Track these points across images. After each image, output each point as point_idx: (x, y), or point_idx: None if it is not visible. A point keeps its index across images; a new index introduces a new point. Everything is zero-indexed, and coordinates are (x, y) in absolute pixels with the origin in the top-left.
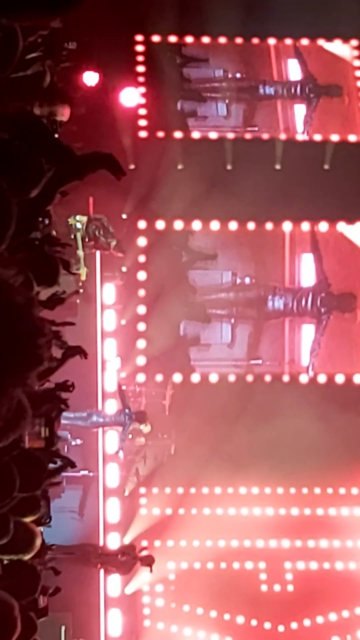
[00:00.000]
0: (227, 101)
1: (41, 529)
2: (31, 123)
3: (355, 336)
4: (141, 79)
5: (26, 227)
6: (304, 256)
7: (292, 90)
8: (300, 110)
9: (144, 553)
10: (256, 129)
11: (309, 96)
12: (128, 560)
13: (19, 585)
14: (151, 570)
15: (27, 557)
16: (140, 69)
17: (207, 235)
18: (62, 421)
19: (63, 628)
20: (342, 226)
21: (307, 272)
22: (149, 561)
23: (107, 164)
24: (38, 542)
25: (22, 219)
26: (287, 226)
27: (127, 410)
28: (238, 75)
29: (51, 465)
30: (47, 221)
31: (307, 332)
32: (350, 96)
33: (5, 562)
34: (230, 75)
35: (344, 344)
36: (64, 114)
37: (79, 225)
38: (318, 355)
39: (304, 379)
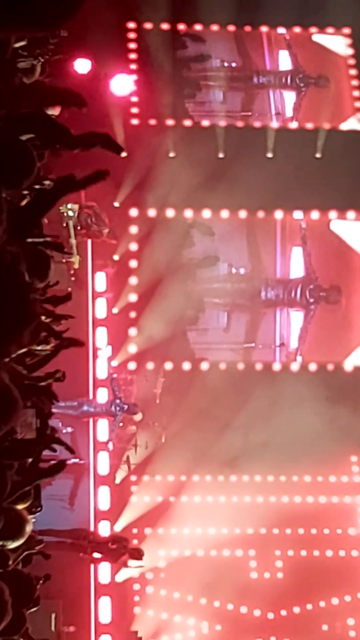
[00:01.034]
0: (223, 89)
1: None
2: (24, 97)
3: (341, 325)
4: (133, 67)
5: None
6: (294, 249)
7: (283, 79)
8: (290, 98)
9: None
10: (249, 113)
11: (299, 86)
12: (118, 548)
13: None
14: (141, 560)
15: (16, 544)
16: (133, 56)
17: (206, 227)
18: (53, 410)
19: (53, 615)
20: (333, 215)
21: (296, 265)
22: (138, 554)
23: (104, 142)
24: (28, 528)
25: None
26: (278, 215)
27: (118, 401)
28: (234, 64)
29: (46, 464)
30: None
31: (296, 319)
32: (340, 85)
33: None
34: (226, 64)
35: (331, 332)
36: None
37: (70, 214)
38: (306, 342)
39: (294, 367)
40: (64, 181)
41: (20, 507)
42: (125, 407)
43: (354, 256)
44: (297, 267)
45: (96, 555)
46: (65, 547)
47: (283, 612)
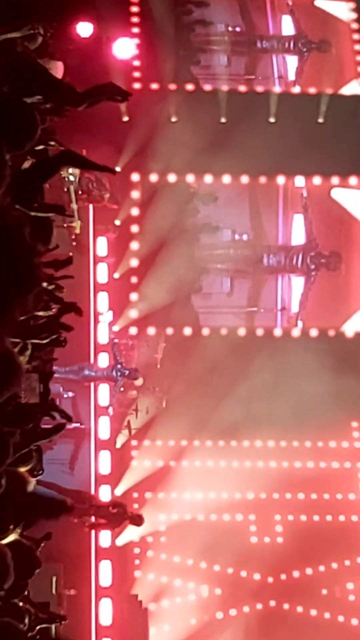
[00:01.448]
0: (227, 53)
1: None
2: (29, 64)
3: (341, 291)
4: (136, 30)
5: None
6: (296, 217)
7: (286, 44)
8: (292, 63)
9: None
10: (253, 77)
11: (301, 50)
12: (119, 513)
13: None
14: (140, 526)
15: None
16: (135, 20)
17: (209, 194)
18: (55, 375)
19: (54, 578)
20: (335, 180)
21: (298, 232)
22: (138, 521)
23: (110, 92)
24: (29, 488)
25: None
26: (280, 180)
27: (119, 366)
28: (237, 29)
29: (46, 426)
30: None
31: (297, 285)
32: (342, 50)
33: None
34: (230, 29)
35: (331, 298)
36: (57, 71)
37: (72, 178)
38: (306, 307)
39: (296, 332)
40: (72, 155)
41: (21, 469)
42: (126, 372)
43: (354, 224)
44: (298, 235)
45: (97, 519)
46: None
47: (283, 576)
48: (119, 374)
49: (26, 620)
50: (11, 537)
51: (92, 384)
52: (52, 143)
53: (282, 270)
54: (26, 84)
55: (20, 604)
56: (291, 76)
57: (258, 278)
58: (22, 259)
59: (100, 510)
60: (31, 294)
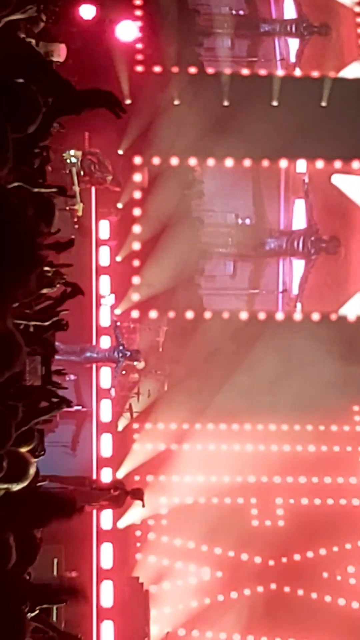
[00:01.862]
0: (230, 36)
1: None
2: (30, 57)
3: (340, 275)
4: (139, 13)
5: (22, 159)
6: (297, 202)
7: (288, 28)
8: (294, 46)
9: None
10: (255, 59)
11: (302, 34)
12: (121, 494)
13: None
14: (143, 505)
15: (20, 486)
16: (138, 2)
17: (211, 177)
18: (56, 356)
19: (55, 560)
20: (338, 164)
21: (299, 217)
22: (138, 494)
23: (107, 101)
24: (32, 470)
25: (19, 152)
26: (283, 163)
27: (120, 348)
28: (241, 12)
29: (45, 404)
30: (44, 154)
31: (298, 268)
32: (343, 33)
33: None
34: (233, 12)
35: (330, 282)
36: (60, 54)
37: (74, 160)
38: (306, 290)
39: (297, 316)
40: (63, 102)
41: (23, 450)
42: (128, 353)
43: (354, 209)
44: (299, 219)
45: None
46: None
47: (284, 560)
48: (120, 355)
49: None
50: None
51: (94, 367)
52: (55, 125)
53: (284, 254)
54: (26, 74)
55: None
56: (293, 59)
57: (260, 261)
58: (24, 240)
59: (102, 494)
60: (33, 274)
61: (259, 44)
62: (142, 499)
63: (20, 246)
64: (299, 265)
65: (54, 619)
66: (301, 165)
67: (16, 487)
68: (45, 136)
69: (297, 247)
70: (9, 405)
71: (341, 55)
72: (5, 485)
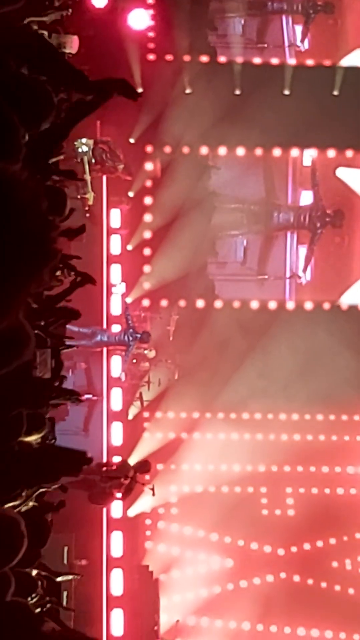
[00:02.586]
0: (242, 20)
1: None
2: (43, 49)
3: (344, 260)
4: (150, 1)
5: (37, 155)
6: (304, 193)
7: (294, 7)
8: (300, 28)
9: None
10: (265, 45)
11: (308, 12)
12: (131, 482)
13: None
14: (154, 494)
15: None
16: None
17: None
18: (67, 338)
19: (66, 549)
20: (349, 153)
21: (306, 194)
22: (145, 467)
23: (121, 89)
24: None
25: (34, 149)
26: (295, 152)
27: (130, 330)
28: None
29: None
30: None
31: (304, 250)
32: (349, 18)
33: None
34: None
35: (335, 269)
36: (72, 46)
37: (85, 149)
38: (310, 263)
39: (308, 305)
40: (82, 106)
41: (34, 437)
42: (138, 335)
43: (357, 202)
44: (306, 196)
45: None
46: (77, 485)
47: (293, 549)
48: (131, 338)
49: (39, 589)
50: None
51: (104, 355)
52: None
53: (291, 228)
54: (40, 67)
55: (34, 572)
56: (299, 43)
57: (269, 237)
58: (38, 234)
59: (112, 482)
60: (47, 268)
61: (268, 26)
62: (148, 471)
63: (34, 240)
64: (304, 246)
65: (64, 603)
66: (313, 154)
67: None
68: (62, 138)
69: (303, 220)
70: (18, 396)
71: (348, 41)
72: None
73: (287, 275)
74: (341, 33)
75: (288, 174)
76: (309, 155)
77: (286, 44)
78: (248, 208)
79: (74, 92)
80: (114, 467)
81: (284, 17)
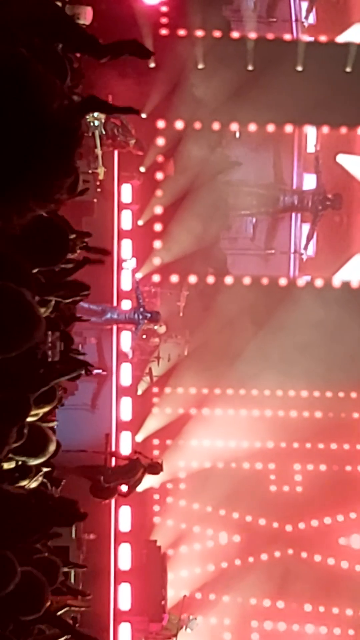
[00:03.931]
0: None
1: (55, 426)
2: (57, 15)
3: (342, 238)
4: None
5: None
6: (307, 176)
7: None
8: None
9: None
10: (274, 19)
11: None
12: (138, 481)
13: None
14: (162, 469)
15: (38, 461)
16: None
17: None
18: (77, 313)
19: None
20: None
21: (309, 179)
22: (156, 469)
23: (134, 49)
24: (51, 447)
25: None
26: (307, 129)
27: (141, 309)
28: None
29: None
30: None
31: (307, 228)
32: None
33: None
34: None
35: (335, 246)
36: (86, 17)
37: (96, 123)
38: (312, 241)
39: (318, 282)
40: (96, 101)
41: (45, 409)
42: (149, 315)
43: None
44: (309, 180)
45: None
46: (84, 472)
47: (301, 525)
48: (140, 317)
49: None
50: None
51: (114, 330)
52: (75, 98)
53: (295, 210)
54: (51, 31)
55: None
56: (305, 19)
57: (275, 217)
58: (63, 148)
59: (117, 482)
60: (65, 182)
61: (277, 3)
62: (158, 474)
63: (56, 154)
64: (307, 224)
65: (72, 581)
66: (312, 146)
67: (33, 462)
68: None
69: (306, 203)
70: (28, 376)
71: (350, 16)
72: (22, 458)
73: (292, 250)
74: (344, 9)
75: (293, 160)
76: (312, 144)
77: (293, 18)
78: (257, 191)
79: (87, 53)
80: (125, 461)
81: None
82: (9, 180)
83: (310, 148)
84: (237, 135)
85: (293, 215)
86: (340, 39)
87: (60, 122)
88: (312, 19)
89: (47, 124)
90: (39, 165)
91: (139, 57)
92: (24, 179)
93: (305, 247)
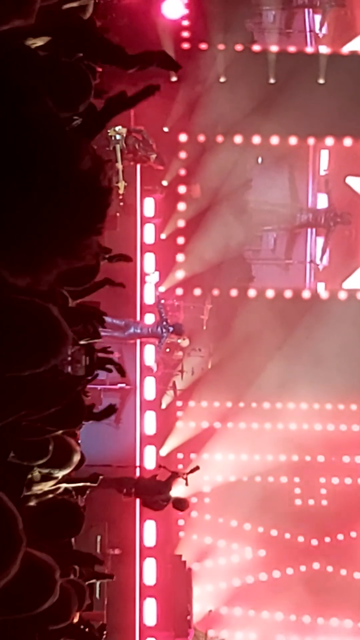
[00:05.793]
0: (273, 12)
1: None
2: (81, 27)
3: (352, 249)
4: None
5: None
6: (320, 196)
7: (315, 2)
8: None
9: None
10: (291, 30)
11: (325, 6)
12: (163, 499)
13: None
14: (187, 484)
15: (63, 472)
16: None
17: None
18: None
19: (98, 538)
20: None
21: (322, 199)
22: (181, 505)
23: (162, 60)
24: (75, 458)
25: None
26: (329, 141)
27: (164, 322)
28: None
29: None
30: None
31: (321, 241)
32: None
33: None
34: None
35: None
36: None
37: (118, 137)
38: (326, 252)
39: (342, 295)
40: (114, 101)
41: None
42: (172, 328)
43: None
44: (322, 200)
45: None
46: (111, 484)
47: (327, 539)
48: (164, 330)
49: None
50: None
51: (137, 344)
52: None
53: (310, 226)
54: (76, 42)
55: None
56: (318, 30)
57: (292, 232)
58: (89, 175)
59: (145, 499)
60: (105, 206)
61: (294, 18)
62: (184, 510)
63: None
64: (321, 238)
65: (97, 596)
66: (347, 143)
67: (59, 473)
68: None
69: (320, 220)
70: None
71: (356, 29)
72: (47, 470)
73: (308, 260)
74: (351, 21)
75: (308, 182)
76: (324, 170)
77: (307, 29)
78: (277, 210)
79: (116, 64)
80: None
81: (306, 10)
82: (39, 239)
83: (323, 171)
84: (260, 160)
85: (309, 230)
86: (346, 49)
87: (90, 182)
88: (324, 29)
89: (78, 186)
90: (69, 225)
91: (167, 68)
92: (53, 239)
93: (321, 258)
